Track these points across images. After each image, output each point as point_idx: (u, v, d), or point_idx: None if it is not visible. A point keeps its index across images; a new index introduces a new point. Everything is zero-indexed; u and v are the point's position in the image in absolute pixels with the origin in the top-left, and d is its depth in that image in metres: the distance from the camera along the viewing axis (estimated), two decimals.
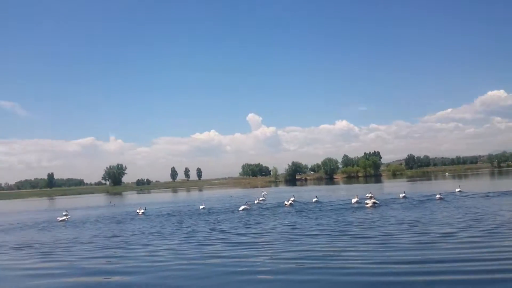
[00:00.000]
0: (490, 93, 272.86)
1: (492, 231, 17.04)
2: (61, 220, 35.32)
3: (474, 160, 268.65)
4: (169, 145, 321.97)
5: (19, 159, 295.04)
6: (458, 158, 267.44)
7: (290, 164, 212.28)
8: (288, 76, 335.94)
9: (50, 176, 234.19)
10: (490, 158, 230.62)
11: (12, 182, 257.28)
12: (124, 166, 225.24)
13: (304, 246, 16.01)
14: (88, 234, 24.84)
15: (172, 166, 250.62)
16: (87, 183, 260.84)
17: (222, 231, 21.99)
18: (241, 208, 35.46)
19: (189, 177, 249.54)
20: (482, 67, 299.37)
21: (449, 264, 11.85)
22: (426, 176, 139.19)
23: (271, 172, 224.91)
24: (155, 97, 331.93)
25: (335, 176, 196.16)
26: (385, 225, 20.54)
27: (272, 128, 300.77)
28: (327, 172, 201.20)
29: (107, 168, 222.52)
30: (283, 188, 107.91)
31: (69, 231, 27.17)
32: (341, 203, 36.13)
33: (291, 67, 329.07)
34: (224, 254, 15.31)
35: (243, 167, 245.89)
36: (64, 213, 38.08)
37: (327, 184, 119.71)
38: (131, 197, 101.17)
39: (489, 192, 37.63)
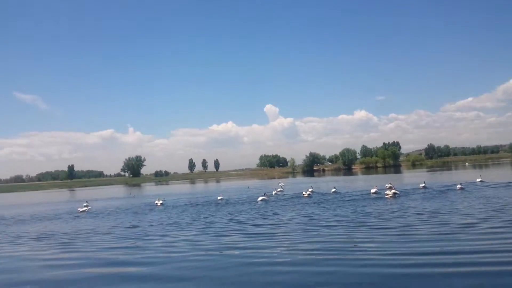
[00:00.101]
0: None
1: None
2: (81, 211, 35.92)
3: (495, 150, 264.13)
4: (187, 137, 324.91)
5: (40, 152, 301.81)
6: (479, 147, 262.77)
7: (308, 155, 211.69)
8: (306, 67, 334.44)
9: (71, 168, 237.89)
10: None
11: (33, 174, 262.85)
12: (142, 157, 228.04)
13: (322, 237, 15.90)
14: (108, 224, 25.15)
15: (189, 158, 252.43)
16: (106, 175, 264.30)
17: (240, 222, 22.01)
18: (260, 198, 35.47)
19: (206, 169, 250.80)
20: (504, 55, 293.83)
21: (470, 255, 11.63)
22: (446, 166, 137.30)
23: (289, 163, 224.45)
24: (173, 89, 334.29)
25: (353, 167, 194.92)
26: (405, 216, 20.29)
27: (289, 119, 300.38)
28: (345, 163, 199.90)
29: (126, 160, 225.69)
30: (300, 179, 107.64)
31: (89, 222, 27.57)
32: (360, 194, 35.83)
33: (308, 58, 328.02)
34: (241, 245, 15.31)
35: (261, 158, 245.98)
36: (84, 204, 38.74)
37: (345, 175, 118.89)
38: (150, 189, 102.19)
39: (510, 182, 36.81)
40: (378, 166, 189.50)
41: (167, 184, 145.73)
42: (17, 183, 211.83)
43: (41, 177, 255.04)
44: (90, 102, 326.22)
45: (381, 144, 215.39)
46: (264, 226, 20.10)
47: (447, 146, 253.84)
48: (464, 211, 20.82)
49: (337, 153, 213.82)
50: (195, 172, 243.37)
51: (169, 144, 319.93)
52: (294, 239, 15.94)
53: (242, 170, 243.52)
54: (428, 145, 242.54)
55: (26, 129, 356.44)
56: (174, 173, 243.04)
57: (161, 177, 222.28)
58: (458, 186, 34.31)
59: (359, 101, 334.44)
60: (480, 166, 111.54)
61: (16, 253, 16.79)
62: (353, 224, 18.75)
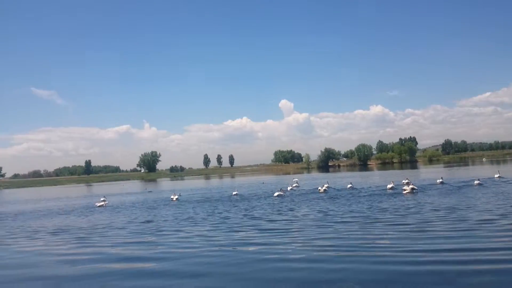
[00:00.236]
0: None
1: None
2: (99, 206, 36.37)
3: None
4: (202, 132, 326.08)
5: (57, 147, 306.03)
6: (497, 143, 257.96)
7: (323, 150, 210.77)
8: (321, 62, 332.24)
9: (88, 163, 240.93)
10: None
11: (51, 169, 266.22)
12: (158, 153, 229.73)
13: (337, 233, 15.75)
14: (123, 219, 25.36)
15: (204, 153, 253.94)
16: (122, 170, 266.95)
17: (254, 218, 21.96)
18: (276, 194, 35.44)
19: (221, 164, 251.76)
20: None
21: (487, 252, 11.40)
22: (463, 162, 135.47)
23: (304, 159, 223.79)
24: (188, 84, 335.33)
25: (369, 163, 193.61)
26: (421, 212, 20.01)
27: (304, 114, 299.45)
28: (361, 159, 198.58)
29: (142, 155, 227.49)
30: (315, 174, 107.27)
31: (105, 216, 27.85)
32: (376, 190, 35.53)
33: (324, 52, 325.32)
34: (255, 241, 15.23)
35: (275, 153, 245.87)
36: (102, 199, 39.25)
37: (361, 170, 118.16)
38: (166, 184, 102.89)
39: None
40: (394, 161, 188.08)
41: (182, 179, 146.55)
42: (35, 178, 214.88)
43: (59, 172, 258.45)
44: (106, 98, 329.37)
45: (397, 140, 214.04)
46: (278, 221, 20.01)
47: (464, 142, 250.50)
48: (482, 207, 20.45)
49: (353, 148, 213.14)
50: (209, 168, 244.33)
51: (184, 139, 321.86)
52: (308, 235, 15.81)
53: (257, 165, 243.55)
54: (445, 140, 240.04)
55: (43, 125, 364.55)
56: (189, 168, 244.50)
57: (176, 172, 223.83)
58: (476, 181, 33.79)
59: (375, 96, 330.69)
60: (498, 162, 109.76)
61: (32, 247, 16.95)
62: (369, 220, 18.54)
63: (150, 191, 62.72)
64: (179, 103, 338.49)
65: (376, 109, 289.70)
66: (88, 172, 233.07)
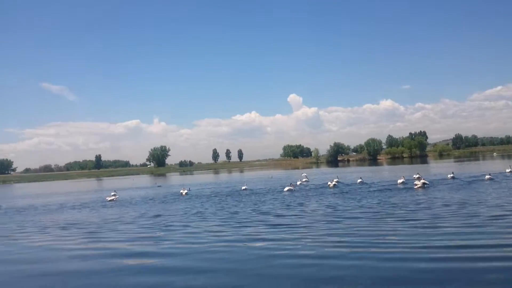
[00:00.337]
0: None
1: None
2: (110, 200, 36.58)
3: None
4: (211, 127, 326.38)
5: (67, 141, 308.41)
6: (508, 137, 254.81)
7: (332, 145, 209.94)
8: (330, 56, 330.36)
9: (98, 157, 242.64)
10: None
11: (61, 163, 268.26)
12: (167, 147, 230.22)
13: (347, 229, 15.61)
14: (133, 214, 25.43)
15: (213, 148, 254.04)
16: (132, 165, 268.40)
17: (263, 213, 21.91)
18: (286, 189, 35.36)
19: (230, 159, 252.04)
20: None
21: (499, 249, 11.25)
22: (474, 157, 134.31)
23: (312, 153, 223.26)
24: (197, 79, 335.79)
25: (378, 157, 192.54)
26: (432, 207, 19.81)
27: (313, 109, 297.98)
28: (371, 153, 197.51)
29: (151, 150, 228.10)
30: (325, 169, 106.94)
31: (115, 211, 28.01)
32: (386, 185, 35.31)
33: (332, 46, 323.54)
34: (263, 237, 15.13)
35: (284, 148, 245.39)
36: (112, 193, 39.45)
37: (370, 165, 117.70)
38: (175, 178, 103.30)
39: None
40: (404, 156, 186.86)
41: (191, 174, 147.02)
42: (46, 173, 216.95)
43: (69, 166, 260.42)
44: (116, 93, 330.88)
45: (407, 134, 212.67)
46: (287, 216, 19.92)
47: (474, 136, 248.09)
48: (493, 203, 20.24)
49: (362, 143, 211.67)
50: (218, 162, 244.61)
51: (193, 134, 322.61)
52: (318, 230, 15.70)
53: (266, 160, 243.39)
54: (455, 135, 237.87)
55: (54, 119, 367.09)
56: (198, 163, 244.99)
57: (186, 167, 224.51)
58: (487, 176, 33.47)
59: (385, 90, 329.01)
60: (509, 157, 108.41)
61: (42, 242, 16.99)
62: (379, 215, 18.38)
63: (160, 186, 62.99)
64: (188, 98, 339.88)
65: (386, 103, 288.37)
66: (98, 167, 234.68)
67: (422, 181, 30.80)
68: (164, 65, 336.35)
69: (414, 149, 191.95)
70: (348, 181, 43.11)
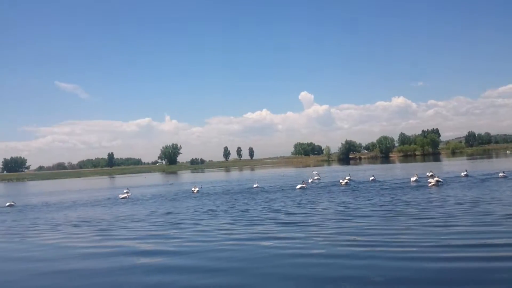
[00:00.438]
0: None
1: None
2: (122, 197, 36.80)
3: None
4: (222, 125, 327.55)
5: (80, 139, 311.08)
6: None
7: (344, 142, 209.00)
8: (341, 53, 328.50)
9: (110, 155, 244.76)
10: None
11: (74, 161, 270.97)
12: (179, 145, 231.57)
13: (358, 228, 15.43)
14: (145, 211, 25.53)
15: (224, 146, 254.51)
16: (144, 162, 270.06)
17: (274, 211, 21.83)
18: (299, 186, 35.22)
19: (241, 157, 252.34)
20: None
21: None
22: (487, 154, 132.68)
23: (324, 151, 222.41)
24: (208, 77, 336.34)
25: (391, 155, 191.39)
26: (445, 206, 19.55)
27: (325, 106, 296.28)
28: (383, 151, 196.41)
29: (163, 147, 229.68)
30: (336, 167, 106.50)
31: (127, 208, 28.16)
32: (398, 182, 35.02)
33: (344, 43, 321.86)
34: (274, 235, 15.02)
35: (295, 146, 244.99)
36: (125, 191, 39.74)
37: (382, 163, 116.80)
38: (186, 176, 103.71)
39: None
40: (416, 154, 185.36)
41: (202, 171, 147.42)
42: (60, 170, 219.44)
43: (82, 164, 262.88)
44: (128, 92, 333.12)
45: (419, 132, 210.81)
46: (299, 215, 19.79)
47: (488, 134, 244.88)
48: (507, 201, 19.92)
49: (374, 140, 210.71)
50: (230, 160, 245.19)
51: (204, 132, 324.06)
52: (328, 229, 15.57)
53: (277, 158, 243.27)
54: (468, 132, 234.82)
55: (67, 118, 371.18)
56: (209, 161, 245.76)
57: (197, 164, 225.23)
58: (501, 174, 33.05)
59: (397, 87, 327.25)
60: None
61: (54, 240, 17.08)
62: (391, 214, 18.19)
63: (172, 184, 63.25)
64: (199, 96, 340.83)
65: (398, 101, 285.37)
66: (110, 165, 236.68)
67: (436, 178, 30.52)
68: (176, 63, 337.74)
69: (427, 146, 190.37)
70: (360, 179, 42.84)
